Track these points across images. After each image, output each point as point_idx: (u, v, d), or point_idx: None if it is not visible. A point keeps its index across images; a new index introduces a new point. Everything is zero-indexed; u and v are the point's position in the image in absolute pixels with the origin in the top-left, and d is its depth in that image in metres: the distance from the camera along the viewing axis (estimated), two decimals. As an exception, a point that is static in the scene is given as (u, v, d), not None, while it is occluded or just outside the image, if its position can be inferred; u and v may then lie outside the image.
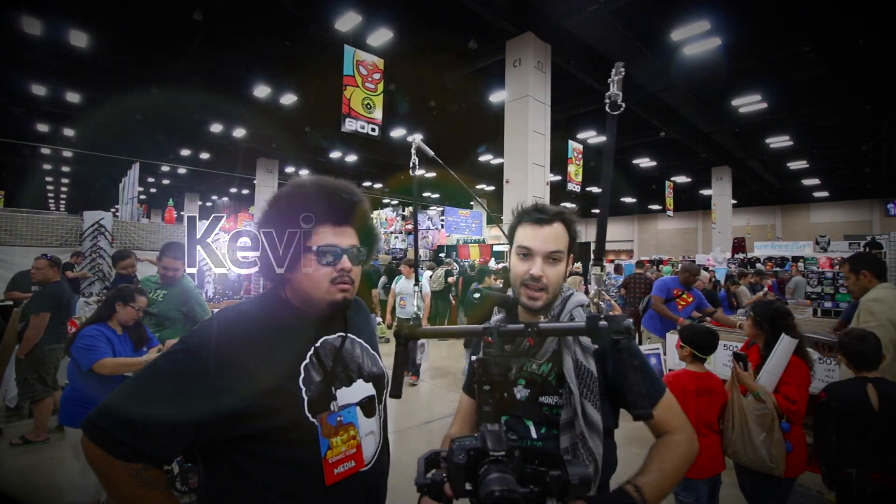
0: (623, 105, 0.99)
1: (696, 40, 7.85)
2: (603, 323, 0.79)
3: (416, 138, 1.34)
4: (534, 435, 0.97)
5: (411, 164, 1.32)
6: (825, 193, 21.62)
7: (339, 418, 0.93)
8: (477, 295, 0.98)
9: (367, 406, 1.00)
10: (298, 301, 0.97)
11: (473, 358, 0.86)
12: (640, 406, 0.76)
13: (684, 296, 4.56)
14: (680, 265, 7.00)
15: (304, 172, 17.59)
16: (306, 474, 0.88)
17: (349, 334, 1.04)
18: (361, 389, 1.00)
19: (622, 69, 0.97)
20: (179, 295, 3.02)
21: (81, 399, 2.37)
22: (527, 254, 1.01)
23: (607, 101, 0.97)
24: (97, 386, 2.33)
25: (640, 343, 4.84)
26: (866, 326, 2.50)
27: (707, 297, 5.09)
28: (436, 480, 0.77)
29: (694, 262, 12.49)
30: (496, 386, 0.83)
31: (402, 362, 0.96)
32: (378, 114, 6.99)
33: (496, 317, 1.08)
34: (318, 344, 0.95)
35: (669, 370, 3.70)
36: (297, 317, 0.96)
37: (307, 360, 0.93)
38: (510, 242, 1.07)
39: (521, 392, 0.99)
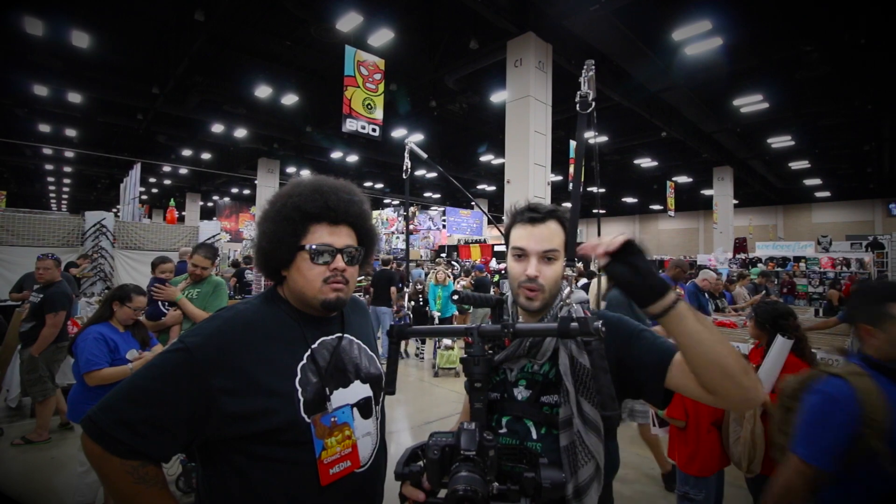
0: (594, 104, 0.97)
1: (697, 40, 7.81)
2: (574, 325, 0.79)
3: (409, 142, 1.33)
4: (534, 436, 0.95)
5: (404, 168, 1.32)
6: (827, 193, 21.52)
7: (332, 419, 0.92)
8: (455, 297, 0.98)
9: (364, 407, 1.00)
10: (294, 300, 0.97)
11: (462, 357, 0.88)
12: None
13: (676, 289, 4.80)
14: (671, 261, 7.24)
15: (305, 172, 17.58)
16: (302, 475, 0.88)
17: (347, 335, 1.04)
18: (358, 391, 1.00)
19: (592, 67, 0.95)
20: (211, 292, 3.13)
21: (89, 396, 2.39)
22: (521, 254, 0.99)
23: (578, 99, 0.95)
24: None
25: None
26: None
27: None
28: (413, 471, 0.80)
29: (695, 262, 12.50)
30: (486, 384, 0.85)
31: (395, 359, 0.96)
32: (379, 114, 7.00)
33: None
34: (315, 345, 0.95)
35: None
36: (295, 317, 0.96)
37: (304, 361, 0.92)
38: (506, 244, 1.06)
39: (521, 393, 0.98)
